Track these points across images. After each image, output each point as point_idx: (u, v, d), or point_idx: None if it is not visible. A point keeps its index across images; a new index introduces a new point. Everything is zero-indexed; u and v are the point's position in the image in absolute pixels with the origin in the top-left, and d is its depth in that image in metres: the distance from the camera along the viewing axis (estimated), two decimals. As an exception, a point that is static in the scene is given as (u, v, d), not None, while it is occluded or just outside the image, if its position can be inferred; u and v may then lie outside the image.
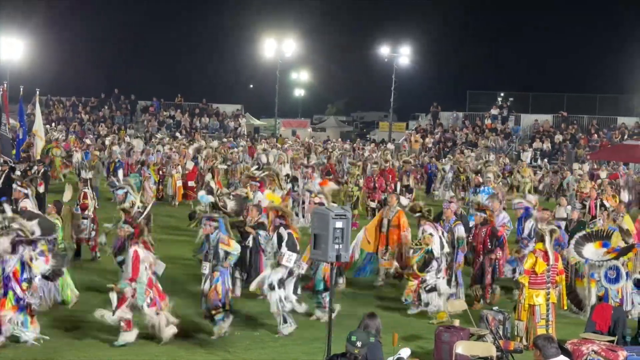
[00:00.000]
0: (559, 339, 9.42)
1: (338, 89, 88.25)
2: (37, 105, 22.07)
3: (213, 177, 23.80)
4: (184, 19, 79.21)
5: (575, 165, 30.36)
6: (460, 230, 14.32)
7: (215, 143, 36.73)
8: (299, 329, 12.27)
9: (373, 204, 23.30)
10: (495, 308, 12.57)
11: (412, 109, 60.53)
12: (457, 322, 11.30)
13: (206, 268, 11.79)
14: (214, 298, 11.60)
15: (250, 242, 13.98)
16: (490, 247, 14.11)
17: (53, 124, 45.78)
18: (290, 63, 60.10)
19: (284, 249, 12.00)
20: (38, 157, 22.67)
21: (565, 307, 13.07)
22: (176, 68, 76.70)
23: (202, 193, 22.53)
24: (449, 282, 13.76)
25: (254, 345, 11.67)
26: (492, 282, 14.23)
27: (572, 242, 13.38)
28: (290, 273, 12.00)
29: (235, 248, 11.89)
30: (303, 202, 21.23)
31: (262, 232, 14.05)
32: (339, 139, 50.74)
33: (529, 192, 25.71)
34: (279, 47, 51.15)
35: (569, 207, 17.76)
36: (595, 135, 47.05)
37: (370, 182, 23.81)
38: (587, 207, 19.86)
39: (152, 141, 37.06)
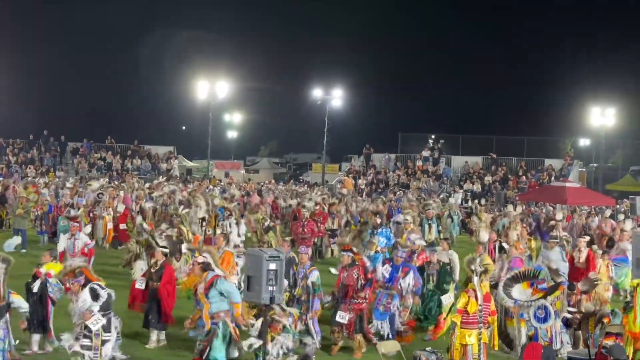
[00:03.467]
0: (491, 379, 9.54)
1: (271, 131, 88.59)
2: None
3: (144, 219, 23.51)
4: (115, 59, 78.69)
5: (510, 208, 30.61)
6: (314, 276, 13.48)
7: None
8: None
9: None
10: (428, 348, 12.62)
11: (344, 151, 61.07)
12: (390, 363, 11.30)
13: None
14: None
15: (36, 287, 12.80)
16: (359, 287, 13.57)
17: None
18: (223, 105, 60.07)
19: (96, 307, 11.06)
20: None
21: (497, 348, 13.18)
22: (107, 109, 76.03)
23: (8, 242, 21.87)
24: (306, 332, 13.05)
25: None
26: (369, 323, 13.81)
27: (501, 283, 13.51)
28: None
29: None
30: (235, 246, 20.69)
31: (51, 280, 12.92)
32: (272, 181, 50.71)
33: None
34: (211, 88, 51.07)
35: (452, 252, 17.57)
36: (524, 176, 48.05)
37: (299, 227, 22.97)
38: (487, 249, 18.58)
39: (82, 183, 36.43)
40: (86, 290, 11.08)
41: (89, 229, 18.64)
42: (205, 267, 11.70)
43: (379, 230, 20.49)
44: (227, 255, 14.96)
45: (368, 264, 14.65)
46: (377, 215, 25.58)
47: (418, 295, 14.65)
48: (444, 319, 14.60)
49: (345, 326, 13.49)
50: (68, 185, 32.10)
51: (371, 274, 14.04)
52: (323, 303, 13.81)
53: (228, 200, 27.50)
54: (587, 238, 19.66)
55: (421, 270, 15.25)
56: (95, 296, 10.98)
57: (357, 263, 13.80)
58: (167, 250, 13.97)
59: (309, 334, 13.00)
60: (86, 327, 11.01)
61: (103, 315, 11.08)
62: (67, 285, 11.64)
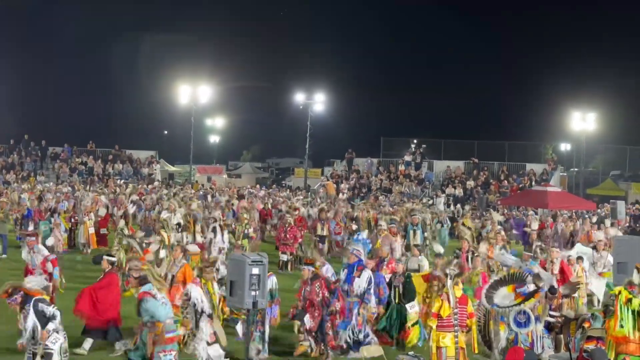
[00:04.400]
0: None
1: (253, 136, 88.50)
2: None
3: (127, 224, 23.43)
4: (97, 64, 78.38)
5: (495, 214, 30.59)
6: (272, 281, 13.21)
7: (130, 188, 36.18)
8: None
9: (284, 257, 22.68)
10: (410, 353, 12.61)
11: (327, 155, 61.10)
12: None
13: None
14: None
15: None
16: (327, 300, 13.22)
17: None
18: (205, 109, 59.92)
19: (52, 326, 10.66)
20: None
21: (477, 351, 13.15)
22: (88, 114, 75.65)
23: None
24: (261, 339, 12.80)
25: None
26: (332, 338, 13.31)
27: (486, 286, 13.51)
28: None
29: None
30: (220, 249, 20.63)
31: None
32: (257, 185, 50.54)
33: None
34: (193, 93, 50.92)
35: (422, 257, 17.43)
36: (505, 181, 48.23)
37: (281, 232, 23.07)
38: (459, 257, 18.55)
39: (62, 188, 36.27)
40: (31, 312, 10.68)
41: (51, 241, 18.30)
42: (141, 281, 11.65)
43: (355, 236, 20.27)
44: (186, 268, 14.42)
45: (329, 274, 14.39)
46: (354, 222, 25.49)
47: (383, 305, 14.36)
48: (410, 327, 14.30)
49: (307, 330, 13.18)
50: (65, 190, 31.85)
51: (334, 284, 13.71)
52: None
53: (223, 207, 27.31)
54: (559, 250, 19.48)
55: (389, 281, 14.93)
56: (42, 316, 10.62)
57: (318, 276, 13.45)
58: (114, 259, 13.55)
59: (264, 342, 12.77)
60: (34, 344, 10.68)
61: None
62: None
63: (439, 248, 17.90)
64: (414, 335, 14.39)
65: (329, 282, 13.54)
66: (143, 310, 11.19)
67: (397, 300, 14.62)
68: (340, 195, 43.85)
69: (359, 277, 13.92)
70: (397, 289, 14.69)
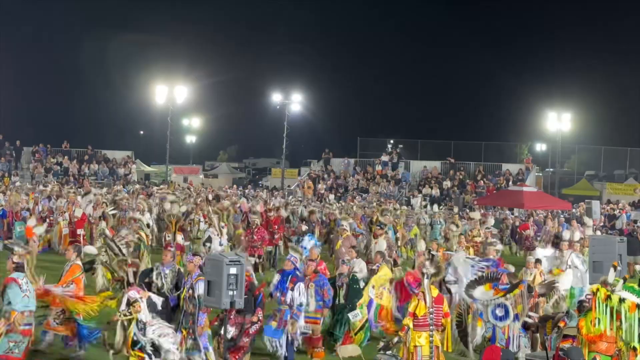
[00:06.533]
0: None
1: (230, 136, 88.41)
2: None
3: (107, 225, 23.30)
4: (73, 64, 77.90)
5: (476, 214, 30.68)
6: (201, 287, 11.60)
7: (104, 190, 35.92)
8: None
9: (252, 259, 22.18)
10: (388, 352, 12.61)
11: (304, 156, 61.23)
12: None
13: None
14: None
15: None
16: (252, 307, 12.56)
17: None
18: (182, 109, 59.70)
19: None
20: None
21: (450, 350, 13.17)
22: (64, 113, 75.20)
23: None
24: (193, 348, 12.00)
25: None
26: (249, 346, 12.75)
27: (464, 285, 13.55)
28: None
29: None
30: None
31: None
32: (235, 186, 50.41)
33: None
34: (170, 93, 50.67)
35: (359, 260, 17.25)
36: (482, 181, 48.45)
37: (249, 234, 22.39)
38: (386, 258, 17.26)
39: (38, 189, 35.91)
40: None
41: None
42: (18, 267, 11.55)
43: (306, 237, 19.59)
44: (75, 267, 13.35)
45: (255, 282, 13.84)
46: (304, 222, 25.22)
47: (328, 308, 13.97)
48: (352, 336, 13.95)
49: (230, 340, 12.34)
50: (65, 192, 31.57)
51: (258, 290, 13.11)
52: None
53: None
54: (498, 249, 19.42)
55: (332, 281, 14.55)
56: None
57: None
58: None
59: (197, 350, 12.14)
60: None
61: None
62: None
63: (382, 245, 18.02)
64: (357, 341, 14.00)
65: (253, 287, 12.93)
66: (5, 295, 11.16)
67: (339, 300, 14.31)
68: (330, 196, 43.96)
69: (292, 289, 13.22)
70: (340, 289, 14.42)
